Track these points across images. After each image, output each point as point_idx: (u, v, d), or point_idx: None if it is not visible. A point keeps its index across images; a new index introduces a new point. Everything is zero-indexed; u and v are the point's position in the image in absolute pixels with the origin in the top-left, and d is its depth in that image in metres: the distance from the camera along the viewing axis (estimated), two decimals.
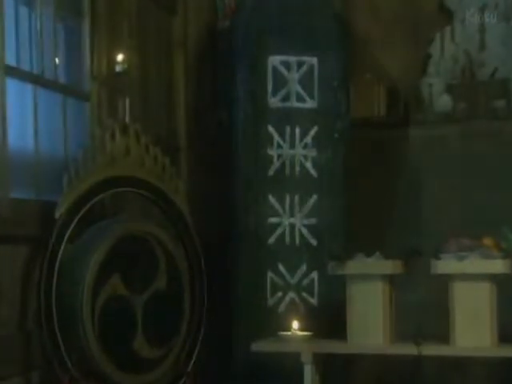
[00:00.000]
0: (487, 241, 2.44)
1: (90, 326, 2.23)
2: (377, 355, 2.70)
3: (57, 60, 2.51)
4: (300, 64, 2.98)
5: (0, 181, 2.06)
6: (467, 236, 2.48)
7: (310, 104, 2.98)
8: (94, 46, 2.64)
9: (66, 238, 2.25)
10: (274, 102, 2.96)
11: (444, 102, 3.26)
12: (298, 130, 2.97)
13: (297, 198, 2.93)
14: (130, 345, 2.39)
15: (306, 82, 2.98)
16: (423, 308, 2.96)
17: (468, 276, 2.38)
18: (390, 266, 2.45)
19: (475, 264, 2.37)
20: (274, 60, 2.96)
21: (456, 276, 2.40)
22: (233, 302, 2.92)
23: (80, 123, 2.66)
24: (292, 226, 2.93)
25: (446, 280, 2.42)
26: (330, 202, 2.91)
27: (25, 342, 2.16)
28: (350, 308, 2.49)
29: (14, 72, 2.23)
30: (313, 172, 2.93)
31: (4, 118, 2.08)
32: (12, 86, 2.21)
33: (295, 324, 2.55)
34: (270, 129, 2.93)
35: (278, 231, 2.91)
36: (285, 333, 2.55)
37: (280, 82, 2.97)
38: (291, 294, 2.88)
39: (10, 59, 2.21)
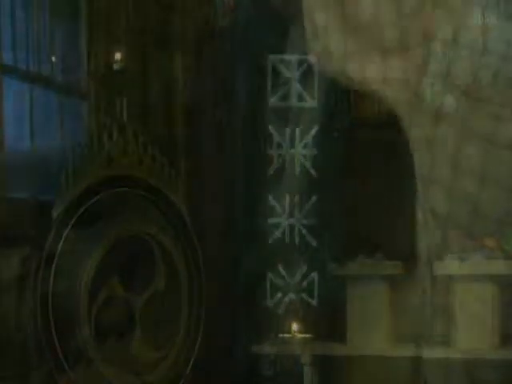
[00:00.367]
0: (489, 242, 2.42)
1: (87, 327, 2.22)
2: (377, 356, 2.68)
3: (54, 59, 2.49)
4: (300, 63, 2.96)
5: None
6: (469, 237, 2.46)
7: (310, 103, 2.97)
8: (91, 45, 2.62)
9: (63, 238, 2.24)
10: (273, 101, 2.94)
11: (447, 102, 3.24)
12: (298, 130, 2.95)
13: (297, 198, 2.91)
14: (129, 346, 2.37)
15: (306, 81, 2.97)
16: (424, 309, 2.94)
17: (470, 277, 2.36)
18: (391, 267, 2.44)
19: (477, 265, 2.35)
20: (274, 59, 2.95)
21: (458, 277, 2.38)
22: (233, 302, 2.91)
23: (77, 122, 2.65)
24: (292, 227, 2.91)
25: (448, 281, 2.40)
26: (330, 202, 2.89)
27: (21, 342, 2.15)
28: (350, 309, 2.47)
29: (10, 71, 2.22)
30: (313, 172, 2.92)
31: (0, 118, 2.07)
32: (9, 85, 2.20)
33: (295, 326, 2.54)
34: (270, 128, 2.92)
35: (278, 231, 2.89)
36: (285, 335, 2.53)
37: (280, 81, 2.96)
38: (291, 295, 2.87)
39: (7, 58, 2.20)
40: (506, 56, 2.99)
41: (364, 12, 2.78)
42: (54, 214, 2.19)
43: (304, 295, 2.81)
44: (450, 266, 2.35)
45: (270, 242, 2.87)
